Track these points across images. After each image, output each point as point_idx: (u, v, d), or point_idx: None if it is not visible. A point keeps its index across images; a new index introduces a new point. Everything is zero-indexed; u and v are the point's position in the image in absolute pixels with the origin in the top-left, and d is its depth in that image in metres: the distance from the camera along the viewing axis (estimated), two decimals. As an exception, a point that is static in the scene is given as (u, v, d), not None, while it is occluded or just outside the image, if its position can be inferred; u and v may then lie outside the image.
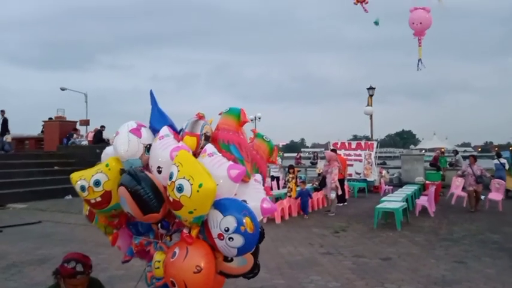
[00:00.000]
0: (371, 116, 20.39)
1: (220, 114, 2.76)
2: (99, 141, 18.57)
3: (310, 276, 5.53)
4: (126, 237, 2.97)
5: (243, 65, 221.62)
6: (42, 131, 21.31)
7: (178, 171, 2.26)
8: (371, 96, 20.24)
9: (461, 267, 6.00)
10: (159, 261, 2.56)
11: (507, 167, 13.70)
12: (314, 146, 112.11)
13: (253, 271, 2.69)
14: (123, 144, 2.58)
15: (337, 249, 7.03)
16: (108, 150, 2.90)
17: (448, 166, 18.96)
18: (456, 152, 21.66)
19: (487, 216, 10.38)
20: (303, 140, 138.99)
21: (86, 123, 23.89)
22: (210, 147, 2.50)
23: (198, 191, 2.20)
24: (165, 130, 2.64)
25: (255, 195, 2.52)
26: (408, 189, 12.33)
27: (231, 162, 2.43)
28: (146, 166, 2.63)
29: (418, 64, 8.71)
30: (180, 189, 2.22)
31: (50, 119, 20.63)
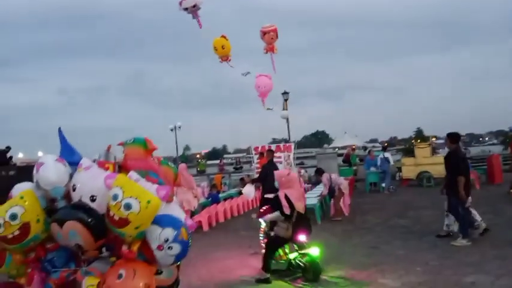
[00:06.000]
0: (287, 119, 21.35)
1: (121, 144, 2.92)
2: (3, 163, 16.85)
3: (240, 277, 5.77)
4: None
5: (158, 73, 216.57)
6: None
7: (124, 191, 2.44)
8: (286, 100, 21.20)
9: (376, 251, 6.68)
10: (92, 285, 2.57)
11: (391, 161, 15.70)
12: (236, 151, 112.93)
13: (177, 281, 2.97)
14: (54, 172, 2.69)
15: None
16: (20, 186, 2.88)
17: (358, 162, 20.56)
18: (365, 148, 23.58)
19: (393, 204, 11.56)
20: (225, 146, 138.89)
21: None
22: (133, 175, 2.65)
23: (146, 207, 2.41)
24: (87, 161, 2.78)
25: (178, 212, 2.73)
26: (325, 186, 13.16)
27: (156, 185, 2.63)
28: (67, 194, 2.70)
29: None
30: (128, 207, 2.39)
31: None
